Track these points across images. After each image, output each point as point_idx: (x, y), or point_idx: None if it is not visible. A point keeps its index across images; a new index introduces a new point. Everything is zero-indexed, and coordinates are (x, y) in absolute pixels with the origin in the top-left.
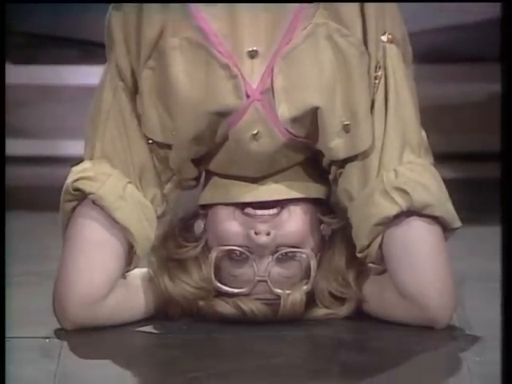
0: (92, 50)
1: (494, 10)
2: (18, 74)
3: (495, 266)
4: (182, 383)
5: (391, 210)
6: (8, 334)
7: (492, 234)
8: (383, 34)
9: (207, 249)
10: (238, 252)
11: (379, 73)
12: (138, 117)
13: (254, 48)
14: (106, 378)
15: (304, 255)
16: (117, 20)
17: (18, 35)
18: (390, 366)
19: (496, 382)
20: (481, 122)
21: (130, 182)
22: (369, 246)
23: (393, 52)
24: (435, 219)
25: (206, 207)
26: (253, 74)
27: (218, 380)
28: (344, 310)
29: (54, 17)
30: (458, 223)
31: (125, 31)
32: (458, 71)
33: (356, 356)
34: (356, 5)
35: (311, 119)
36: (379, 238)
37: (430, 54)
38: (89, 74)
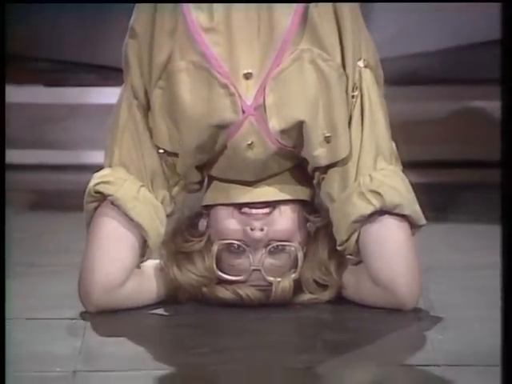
0: (110, 74)
1: (456, 39)
2: (48, 95)
3: (455, 258)
4: (188, 358)
5: (366, 210)
6: (40, 316)
7: (453, 231)
8: (359, 60)
9: (210, 243)
10: (236, 245)
11: (356, 93)
12: (150, 130)
13: (249, 70)
14: (124, 353)
15: (292, 248)
16: (132, 47)
17: (49, 62)
18: (365, 342)
19: (455, 357)
20: (443, 135)
21: (143, 186)
22: (347, 240)
23: (367, 75)
24: (404, 217)
25: (209, 207)
26: (248, 92)
27: (219, 355)
28: (326, 295)
29: (79, 46)
30: (423, 221)
31: (139, 57)
32: (424, 92)
33: (336, 334)
34: (336, 33)
35: (297, 131)
36: (356, 234)
37: (400, 77)
38: (108, 95)
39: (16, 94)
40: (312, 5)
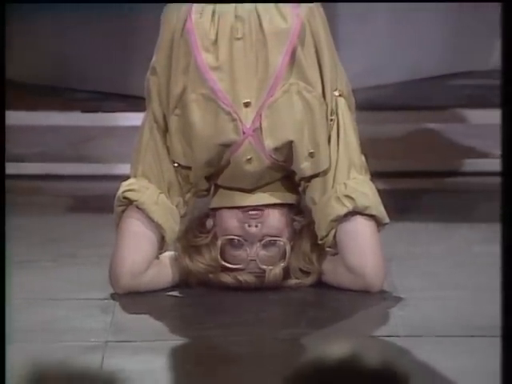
0: (135, 102)
1: (412, 74)
2: (85, 119)
3: (414, 249)
4: (197, 331)
5: (342, 211)
6: (78, 296)
7: (411, 228)
8: (335, 90)
9: (215, 238)
10: (236, 240)
11: (333, 117)
12: (167, 148)
13: (248, 100)
14: (146, 327)
15: (281, 242)
16: (153, 82)
17: (85, 92)
18: (341, 318)
19: (412, 329)
20: (402, 151)
21: (161, 193)
22: (327, 235)
23: (342, 103)
24: (372, 217)
25: (215, 209)
26: (247, 118)
27: (222, 328)
28: (309, 280)
29: (109, 79)
30: (387, 220)
31: (158, 90)
32: (387, 116)
33: (318, 312)
34: (317, 70)
35: (287, 149)
36: (334, 230)
37: (369, 104)
38: (133, 119)
39: (59, 118)
40: (299, 48)
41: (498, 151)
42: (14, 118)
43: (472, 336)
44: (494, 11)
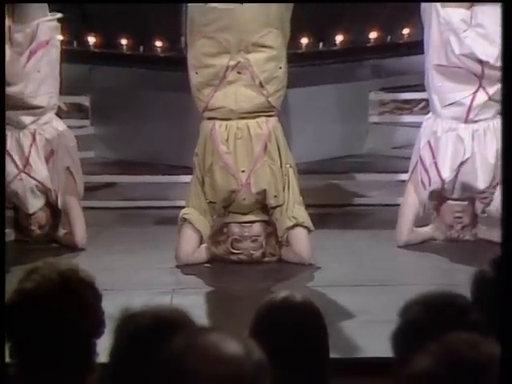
0: (188, 170)
1: (329, 154)
2: (163, 179)
3: (326, 244)
4: (220, 283)
5: (290, 224)
6: (158, 266)
7: (325, 233)
8: (286, 164)
9: (228, 237)
10: (238, 238)
11: (286, 177)
12: (204, 192)
13: (244, 169)
14: (194, 281)
15: (261, 239)
16: (196, 160)
17: (161, 165)
18: (291, 277)
19: (327, 281)
20: (321, 194)
21: (201, 215)
22: (283, 236)
23: (290, 171)
24: (305, 227)
25: (227, 223)
26: (243, 178)
27: (233, 282)
28: (275, 259)
29: (175, 156)
30: (312, 228)
31: (199, 164)
32: (313, 178)
33: (279, 274)
34: (278, 153)
35: (263, 193)
36: (286, 234)
37: (305, 171)
38: (187, 178)
39: (149, 179)
40: (268, 143)
41: (370, 194)
42: (124, 179)
43: (359, 285)
44: (363, 122)
